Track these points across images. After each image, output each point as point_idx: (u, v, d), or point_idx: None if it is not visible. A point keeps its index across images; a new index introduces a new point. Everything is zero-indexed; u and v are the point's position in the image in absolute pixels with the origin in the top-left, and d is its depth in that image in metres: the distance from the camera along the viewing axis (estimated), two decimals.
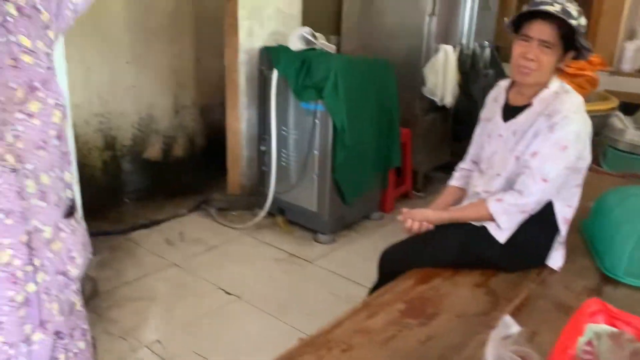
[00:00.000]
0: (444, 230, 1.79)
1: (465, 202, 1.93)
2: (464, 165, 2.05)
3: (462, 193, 2.01)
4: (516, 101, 1.80)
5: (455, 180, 2.04)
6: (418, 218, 1.79)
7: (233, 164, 3.71)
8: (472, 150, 2.02)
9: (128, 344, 2.29)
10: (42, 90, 0.91)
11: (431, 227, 1.80)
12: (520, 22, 1.69)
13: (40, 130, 0.90)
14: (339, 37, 4.00)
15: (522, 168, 1.71)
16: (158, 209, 3.60)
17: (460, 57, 3.77)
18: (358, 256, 3.07)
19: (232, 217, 3.52)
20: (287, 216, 3.39)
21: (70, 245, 1.01)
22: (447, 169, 4.13)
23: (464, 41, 3.86)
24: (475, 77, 3.82)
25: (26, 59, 0.90)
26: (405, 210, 1.83)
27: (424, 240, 1.81)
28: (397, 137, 3.43)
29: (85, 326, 1.14)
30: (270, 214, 3.39)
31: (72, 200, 1.03)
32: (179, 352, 2.26)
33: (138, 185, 3.89)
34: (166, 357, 2.22)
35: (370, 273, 2.03)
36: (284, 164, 3.31)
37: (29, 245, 0.90)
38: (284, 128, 3.26)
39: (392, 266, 1.86)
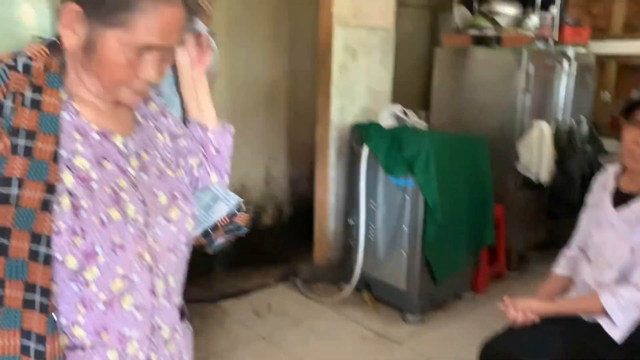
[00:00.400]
0: (551, 323, 1.68)
1: (572, 292, 1.81)
2: (569, 251, 1.93)
3: (568, 282, 1.89)
4: (629, 188, 1.70)
5: (561, 267, 1.92)
6: (522, 308, 1.69)
7: (320, 236, 3.74)
8: (578, 237, 1.91)
9: None
10: (182, 200, 0.99)
11: (536, 318, 1.69)
12: (632, 106, 1.63)
13: (174, 236, 0.97)
14: (428, 111, 4.03)
15: (638, 260, 1.59)
16: (246, 278, 3.67)
17: (556, 132, 3.66)
18: (450, 339, 2.92)
19: (318, 290, 3.51)
20: (373, 292, 3.33)
21: (182, 348, 1.05)
22: (543, 248, 3.95)
23: (560, 117, 3.76)
24: (572, 154, 3.67)
25: (169, 172, 1.00)
26: (507, 298, 1.74)
27: (529, 334, 1.70)
28: (491, 215, 3.32)
29: None
30: (356, 289, 3.34)
31: (183, 306, 1.07)
32: None
33: (228, 253, 4.00)
34: None
35: (460, 358, 1.93)
36: (371, 238, 3.29)
37: (151, 341, 0.95)
38: (372, 202, 3.26)
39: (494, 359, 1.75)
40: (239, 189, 4.07)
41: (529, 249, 3.93)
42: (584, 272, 1.78)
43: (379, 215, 3.25)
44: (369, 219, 3.28)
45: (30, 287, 0.79)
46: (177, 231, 0.97)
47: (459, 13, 3.93)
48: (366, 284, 3.34)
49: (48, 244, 0.80)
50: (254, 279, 3.67)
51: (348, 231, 3.47)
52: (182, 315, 1.07)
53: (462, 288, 3.38)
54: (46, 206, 0.80)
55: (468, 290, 3.40)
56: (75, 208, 0.83)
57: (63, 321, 0.85)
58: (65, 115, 0.87)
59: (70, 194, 0.83)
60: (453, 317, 3.19)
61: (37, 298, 0.80)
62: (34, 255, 0.79)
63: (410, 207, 3.05)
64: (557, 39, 3.71)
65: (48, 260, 0.80)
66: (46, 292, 0.81)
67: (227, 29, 3.74)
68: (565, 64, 3.71)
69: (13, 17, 2.20)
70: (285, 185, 4.38)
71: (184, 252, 1.01)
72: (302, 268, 3.71)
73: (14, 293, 0.79)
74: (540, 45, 3.65)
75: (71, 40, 0.83)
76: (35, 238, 0.79)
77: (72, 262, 0.82)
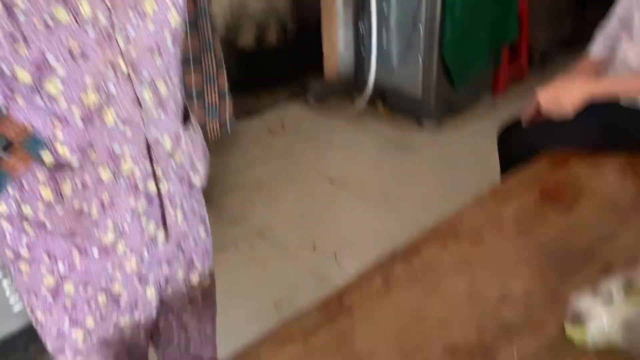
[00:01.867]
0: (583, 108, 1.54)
1: (611, 74, 1.64)
2: (608, 28, 1.72)
3: (602, 64, 1.71)
4: None
5: (597, 46, 1.73)
6: (558, 97, 1.55)
7: (329, 48, 3.50)
8: (619, 10, 1.68)
9: (240, 229, 2.34)
10: None
11: (570, 114, 1.54)
12: None
13: (154, 34, 0.80)
14: None
15: None
16: (256, 99, 3.54)
17: None
18: (467, 143, 2.86)
19: (331, 104, 3.39)
20: (388, 102, 3.20)
21: (192, 155, 0.97)
22: (568, 44, 3.67)
23: None
24: None
25: None
26: (542, 88, 1.60)
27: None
28: (515, 6, 3.01)
29: (204, 213, 1.11)
30: (370, 100, 3.21)
31: (186, 107, 0.96)
32: (287, 238, 2.28)
33: (234, 76, 3.82)
34: (275, 242, 2.25)
35: (481, 161, 1.87)
36: (384, 44, 3.05)
37: (149, 157, 0.86)
38: (384, 4, 2.96)
39: (515, 147, 1.66)
40: (237, 5, 3.74)
41: (552, 45, 3.66)
42: (625, 50, 1.59)
43: (391, 18, 2.97)
44: (380, 23, 3.01)
45: None
46: (157, 28, 0.80)
47: None
48: (381, 95, 3.20)
49: None
50: (262, 99, 3.54)
51: (359, 40, 3.22)
52: (186, 118, 0.96)
53: (481, 91, 3.23)
54: None
55: (487, 92, 3.25)
56: (9, 9, 0.67)
57: (42, 137, 0.79)
58: None
59: None
60: (471, 121, 3.10)
61: None
62: None
63: (426, 4, 2.76)
64: None
65: None
66: None
67: None
68: None
69: None
70: None
71: (174, 52, 0.85)
72: (312, 84, 3.55)
73: None
74: None
75: None
76: None
77: (23, 75, 0.71)
